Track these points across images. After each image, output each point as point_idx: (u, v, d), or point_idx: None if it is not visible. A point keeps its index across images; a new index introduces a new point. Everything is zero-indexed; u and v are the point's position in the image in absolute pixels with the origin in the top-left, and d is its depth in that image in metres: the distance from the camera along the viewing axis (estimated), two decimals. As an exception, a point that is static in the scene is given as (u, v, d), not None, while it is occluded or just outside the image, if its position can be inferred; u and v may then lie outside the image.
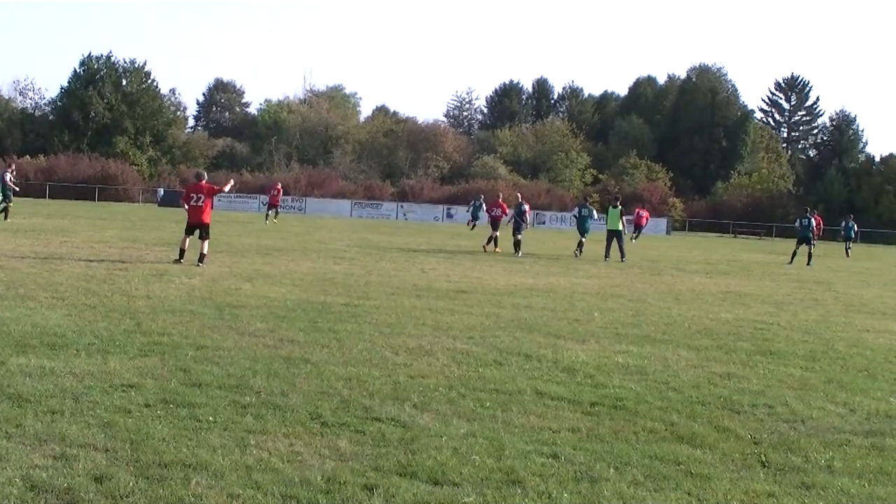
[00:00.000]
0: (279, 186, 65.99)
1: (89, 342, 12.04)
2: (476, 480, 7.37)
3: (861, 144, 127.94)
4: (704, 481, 7.68)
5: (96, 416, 8.53)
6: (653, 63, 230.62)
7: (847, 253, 56.54)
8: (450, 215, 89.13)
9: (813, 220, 46.12)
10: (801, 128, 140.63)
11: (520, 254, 36.30)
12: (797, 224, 46.70)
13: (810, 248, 44.28)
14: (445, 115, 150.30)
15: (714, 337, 16.09)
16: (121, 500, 6.54)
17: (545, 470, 7.74)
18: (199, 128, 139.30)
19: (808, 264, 42.62)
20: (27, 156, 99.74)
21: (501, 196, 43.83)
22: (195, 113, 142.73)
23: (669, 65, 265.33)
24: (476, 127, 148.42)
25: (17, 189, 43.40)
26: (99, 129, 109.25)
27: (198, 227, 24.89)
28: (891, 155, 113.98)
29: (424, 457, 7.86)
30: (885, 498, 7.56)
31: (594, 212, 41.72)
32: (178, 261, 24.17)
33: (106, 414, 8.60)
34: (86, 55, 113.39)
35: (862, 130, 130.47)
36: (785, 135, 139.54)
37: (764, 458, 8.45)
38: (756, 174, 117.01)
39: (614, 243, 38.10)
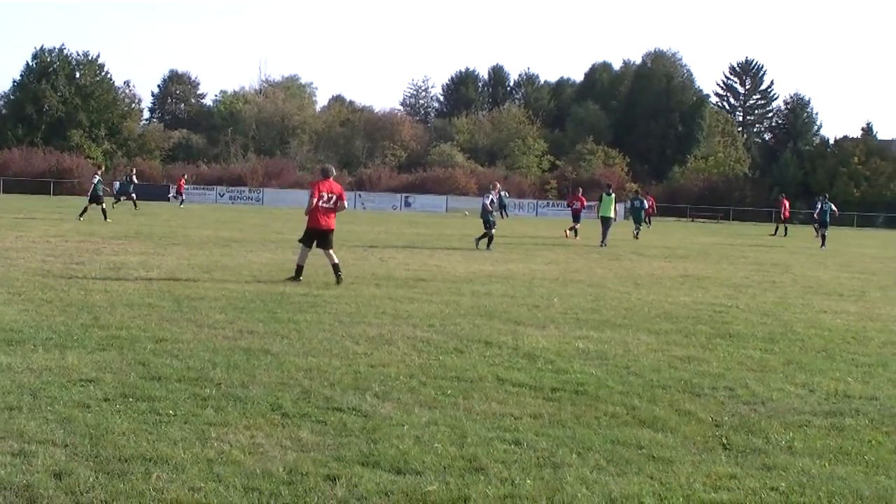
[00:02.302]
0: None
1: (46, 337, 11.94)
2: (439, 468, 7.36)
3: (815, 127, 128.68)
4: (667, 465, 7.70)
5: (55, 411, 8.46)
6: (608, 49, 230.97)
7: (822, 241, 47.51)
8: (408, 204, 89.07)
9: (831, 204, 49.43)
10: (756, 111, 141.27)
11: (487, 247, 33.65)
12: (817, 207, 49.98)
13: (825, 231, 47.55)
14: (402, 104, 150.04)
15: (674, 321, 16.15)
16: (81, 496, 6.48)
17: (507, 456, 7.73)
18: (155, 120, 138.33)
19: (822, 246, 45.55)
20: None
21: (581, 190, 44.12)
22: (150, 105, 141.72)
23: (625, 50, 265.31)
24: (433, 115, 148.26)
25: (108, 190, 43.59)
26: (53, 123, 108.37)
27: (323, 234, 20.71)
28: (845, 137, 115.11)
29: (386, 446, 7.84)
30: (846, 477, 7.60)
31: (645, 202, 44.65)
32: (296, 278, 19.89)
33: (64, 409, 8.53)
34: (38, 48, 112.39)
35: (816, 113, 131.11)
36: (740, 119, 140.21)
37: (725, 441, 8.48)
38: (712, 158, 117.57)
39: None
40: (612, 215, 40.37)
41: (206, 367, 10.56)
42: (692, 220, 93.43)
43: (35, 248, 25.31)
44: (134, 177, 64.25)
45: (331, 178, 20.89)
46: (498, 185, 38.34)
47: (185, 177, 76.81)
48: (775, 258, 35.79)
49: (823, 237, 47.36)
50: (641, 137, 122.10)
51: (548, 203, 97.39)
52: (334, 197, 20.64)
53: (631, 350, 13.00)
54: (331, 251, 20.39)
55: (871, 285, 24.97)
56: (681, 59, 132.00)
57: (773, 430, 8.92)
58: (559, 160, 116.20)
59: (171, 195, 71.37)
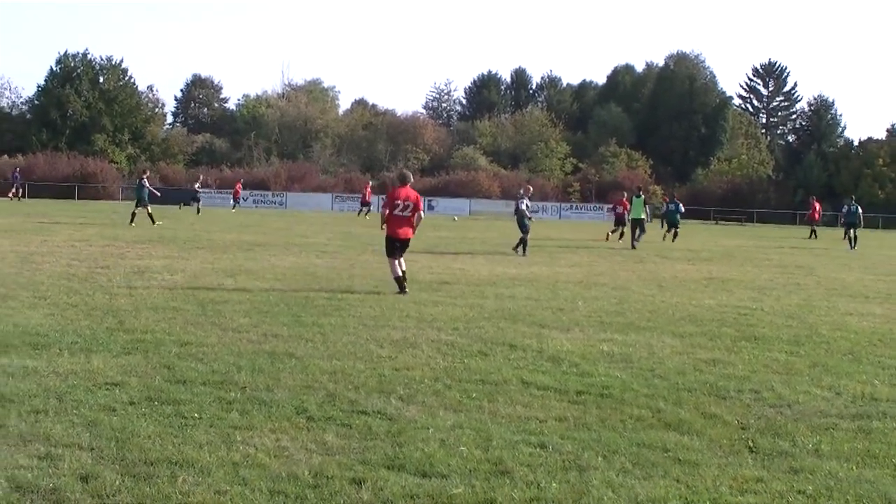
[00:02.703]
0: (369, 185, 71.82)
1: (72, 341, 11.98)
2: (464, 472, 7.35)
3: (839, 129, 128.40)
4: (693, 468, 7.68)
5: (80, 415, 8.48)
6: (631, 51, 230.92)
7: (851, 244, 47.13)
8: (431, 207, 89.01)
9: (859, 206, 49.98)
10: (779, 113, 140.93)
11: (523, 253, 32.56)
12: (844, 210, 50.91)
13: (855, 232, 47.93)
14: (424, 107, 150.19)
15: (698, 323, 16.09)
16: (107, 499, 6.49)
17: (533, 460, 7.72)
18: (178, 124, 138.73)
19: (852, 248, 46.09)
20: (5, 155, 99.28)
21: (626, 195, 44.40)
22: (173, 109, 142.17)
23: (647, 52, 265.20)
24: (455, 118, 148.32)
25: (158, 194, 44.00)
26: (77, 128, 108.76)
27: (401, 242, 19.76)
28: (869, 139, 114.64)
29: (412, 449, 7.83)
30: (873, 480, 7.56)
31: (680, 205, 45.35)
32: (401, 291, 18.84)
33: (90, 413, 8.55)
34: (62, 53, 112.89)
35: (840, 115, 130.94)
36: (763, 120, 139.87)
37: (751, 444, 8.45)
38: (735, 160, 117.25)
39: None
40: (644, 217, 40.90)
41: (231, 370, 10.57)
42: (716, 223, 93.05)
43: (60, 252, 25.39)
44: (199, 184, 66.47)
45: (408, 185, 19.95)
46: (531, 189, 37.63)
47: (241, 181, 76.86)
48: (799, 260, 35.65)
49: (851, 239, 47.67)
50: (664, 140, 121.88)
51: (571, 206, 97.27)
52: (411, 205, 19.61)
53: (656, 353, 12.96)
54: (402, 258, 19.52)
55: (896, 287, 24.85)
56: (704, 61, 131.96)
57: (799, 433, 8.87)
58: (582, 163, 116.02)
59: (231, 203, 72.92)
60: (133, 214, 43.20)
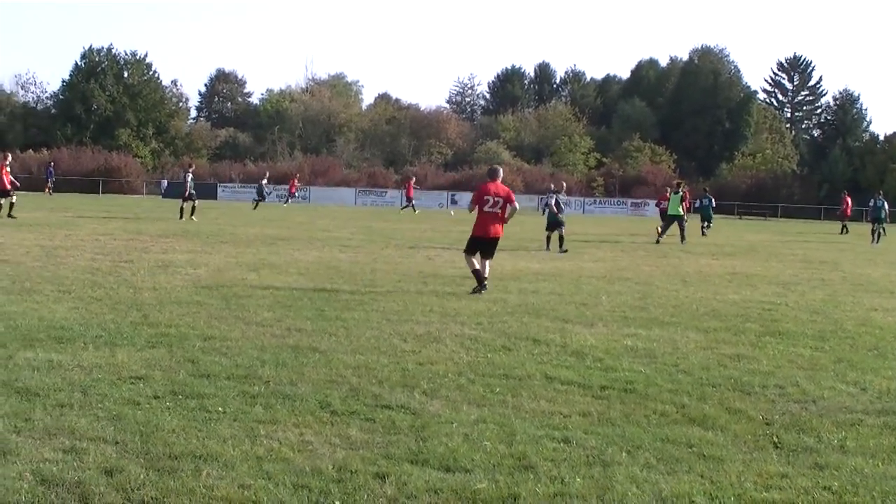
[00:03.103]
0: (412, 180, 72.25)
1: (96, 335, 12.01)
2: (488, 466, 7.34)
3: (865, 123, 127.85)
4: (717, 463, 7.65)
5: (105, 408, 8.50)
6: (655, 45, 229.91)
7: (876, 238, 48.44)
8: (454, 201, 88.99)
9: (885, 201, 50.86)
10: (804, 108, 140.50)
11: (555, 247, 31.82)
12: (871, 204, 51.22)
13: (881, 227, 49.01)
14: (448, 102, 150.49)
15: (722, 318, 16.04)
16: (132, 493, 6.50)
17: (557, 455, 7.70)
18: (202, 118, 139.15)
19: (875, 242, 47.31)
20: (30, 150, 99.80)
21: (669, 191, 44.69)
22: (197, 104, 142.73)
23: (671, 47, 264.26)
24: (479, 113, 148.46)
25: (193, 192, 44.34)
26: (101, 122, 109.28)
27: (489, 242, 19.00)
28: (895, 133, 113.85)
29: (435, 444, 7.83)
30: (900, 477, 7.52)
31: (713, 200, 45.99)
32: (478, 289, 18.18)
33: (115, 406, 8.57)
34: (87, 48, 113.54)
35: (865, 109, 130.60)
36: (788, 115, 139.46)
37: (776, 439, 8.41)
38: (760, 155, 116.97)
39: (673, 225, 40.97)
40: (682, 212, 41.22)
41: (255, 364, 10.58)
42: (740, 218, 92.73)
43: (84, 246, 25.47)
44: (266, 180, 66.97)
45: (498, 180, 18.93)
46: (564, 185, 36.98)
47: (298, 176, 76.87)
48: (824, 255, 35.51)
49: (878, 234, 48.79)
50: (688, 134, 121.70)
51: (594, 200, 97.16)
52: (501, 201, 18.63)
53: (679, 348, 12.92)
54: (489, 262, 18.80)
55: (922, 283, 24.72)
56: (728, 56, 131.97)
57: (824, 428, 8.83)
58: (605, 157, 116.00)
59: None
60: (181, 210, 43.78)
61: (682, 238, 39.83)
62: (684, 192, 41.70)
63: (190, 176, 45.50)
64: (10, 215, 37.21)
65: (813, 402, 9.90)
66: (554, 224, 32.09)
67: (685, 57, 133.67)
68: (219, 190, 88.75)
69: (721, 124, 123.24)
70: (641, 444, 8.08)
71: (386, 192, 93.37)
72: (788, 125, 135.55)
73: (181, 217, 42.59)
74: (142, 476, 6.80)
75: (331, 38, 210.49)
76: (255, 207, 60.86)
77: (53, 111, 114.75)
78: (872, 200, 50.87)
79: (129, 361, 10.48)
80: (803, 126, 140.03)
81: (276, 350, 11.49)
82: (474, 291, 18.09)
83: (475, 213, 19.00)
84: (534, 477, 7.13)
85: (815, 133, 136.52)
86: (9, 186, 39.03)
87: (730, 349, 12.97)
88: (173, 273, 19.53)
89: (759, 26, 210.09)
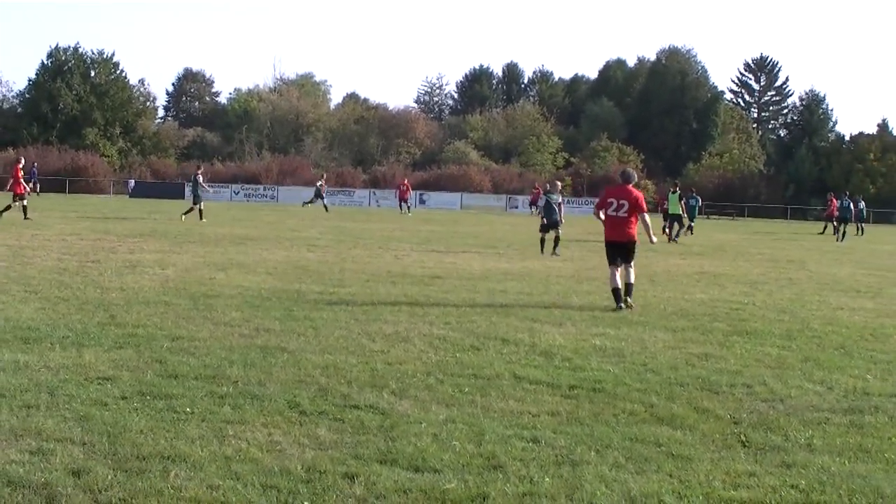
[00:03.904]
0: (406, 182, 72.59)
1: (63, 335, 11.95)
2: (457, 466, 7.34)
3: (831, 124, 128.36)
4: (686, 462, 7.67)
5: (72, 409, 8.46)
6: (622, 46, 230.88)
7: (841, 237, 50.29)
8: (422, 201, 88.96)
9: (851, 202, 53.05)
10: (771, 108, 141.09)
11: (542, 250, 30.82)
12: (840, 205, 52.88)
13: (845, 227, 51.24)
14: (416, 101, 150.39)
15: (690, 318, 16.11)
16: (99, 494, 6.47)
17: (526, 454, 7.71)
18: (170, 118, 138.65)
19: (840, 241, 48.90)
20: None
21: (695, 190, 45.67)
22: (165, 103, 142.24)
23: (639, 47, 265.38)
24: (447, 112, 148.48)
25: (210, 191, 44.31)
26: (68, 121, 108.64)
27: (618, 246, 17.83)
28: (860, 133, 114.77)
29: (404, 444, 7.82)
30: (866, 475, 7.56)
31: (699, 199, 49.92)
32: (617, 307, 16.99)
33: (82, 407, 8.53)
34: (53, 47, 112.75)
35: (831, 110, 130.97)
36: (755, 115, 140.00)
37: (744, 438, 8.45)
38: (727, 155, 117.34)
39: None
40: (680, 211, 43.10)
41: (223, 364, 10.55)
42: (707, 217, 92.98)
43: (50, 246, 25.34)
44: (324, 182, 67.20)
45: (627, 184, 17.96)
46: (559, 185, 35.65)
47: (325, 177, 75.70)
48: (791, 255, 35.72)
49: (843, 234, 50.74)
50: (656, 134, 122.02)
51: (562, 200, 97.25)
52: (627, 204, 17.68)
53: (648, 347, 12.97)
54: (630, 268, 17.53)
55: (887, 282, 24.90)
56: (695, 56, 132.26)
57: (791, 427, 8.87)
58: (574, 157, 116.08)
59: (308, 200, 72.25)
60: (200, 212, 43.71)
61: (675, 237, 41.56)
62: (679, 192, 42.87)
63: (201, 178, 45.49)
64: (25, 217, 37.20)
65: (780, 401, 9.94)
66: (548, 226, 31.10)
67: (653, 57, 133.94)
68: (186, 190, 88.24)
69: (688, 124, 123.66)
70: (610, 443, 8.10)
71: (354, 191, 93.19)
72: (755, 125, 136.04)
73: (201, 218, 42.83)
74: (109, 477, 6.77)
75: (299, 38, 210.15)
76: (304, 205, 64.69)
77: (19, 110, 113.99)
78: (840, 200, 51.94)
79: (96, 362, 10.44)
80: (770, 126, 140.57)
81: (244, 350, 11.47)
82: (615, 310, 16.83)
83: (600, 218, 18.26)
84: (503, 476, 7.14)
85: (782, 133, 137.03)
86: (22, 190, 39.16)
87: (698, 348, 13.02)
88: (141, 273, 19.46)
89: (726, 27, 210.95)
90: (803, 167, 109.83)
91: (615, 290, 17.34)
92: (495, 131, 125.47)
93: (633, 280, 17.51)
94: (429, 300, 17.00)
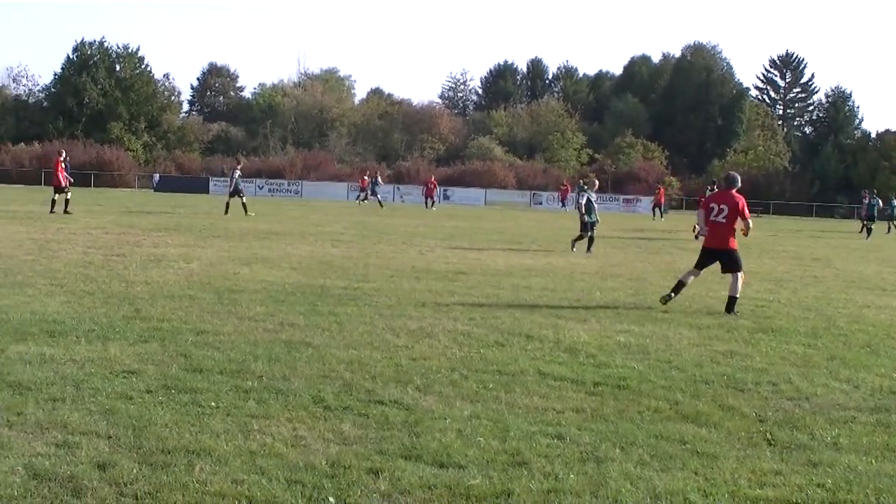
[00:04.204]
0: (433, 179, 73.32)
1: (89, 329, 11.99)
2: (481, 462, 7.32)
3: (857, 121, 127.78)
4: (711, 460, 7.64)
5: (98, 402, 8.48)
6: (647, 42, 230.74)
7: (867, 233, 51.05)
8: (446, 197, 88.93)
9: (880, 200, 53.87)
10: (796, 105, 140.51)
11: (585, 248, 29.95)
12: (868, 202, 53.81)
13: (872, 225, 51.44)
14: (440, 97, 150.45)
15: (715, 315, 16.05)
16: (124, 488, 6.48)
17: (550, 451, 7.69)
18: (194, 112, 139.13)
19: (867, 238, 48.98)
20: (22, 143, 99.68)
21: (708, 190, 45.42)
22: (189, 98, 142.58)
23: (664, 43, 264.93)
24: (471, 108, 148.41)
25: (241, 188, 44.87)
26: (93, 115, 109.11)
27: (715, 254, 17.37)
28: (887, 131, 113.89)
29: (429, 439, 7.81)
30: (893, 474, 7.51)
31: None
32: (669, 297, 16.95)
33: (107, 401, 8.55)
34: (79, 41, 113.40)
35: (857, 107, 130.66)
36: (780, 112, 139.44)
37: (770, 436, 8.41)
38: (752, 152, 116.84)
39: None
40: None
41: (248, 359, 10.56)
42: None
43: (76, 239, 25.43)
44: (379, 177, 68.30)
45: (731, 189, 17.33)
46: (596, 182, 33.88)
47: (372, 173, 75.54)
48: (816, 252, 35.56)
49: (869, 230, 50.66)
50: (680, 131, 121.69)
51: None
52: (726, 209, 17.07)
53: (672, 344, 12.92)
54: (736, 278, 16.84)
55: (914, 280, 24.75)
56: (720, 53, 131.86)
57: (817, 426, 8.83)
58: (598, 153, 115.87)
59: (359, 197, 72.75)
60: (227, 206, 44.35)
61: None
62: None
63: (237, 173, 45.83)
64: (66, 211, 37.40)
65: (806, 400, 9.90)
66: (586, 225, 30.25)
67: (678, 53, 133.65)
68: (211, 184, 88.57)
69: (713, 121, 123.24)
70: (635, 440, 8.08)
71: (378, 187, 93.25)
72: (780, 122, 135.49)
73: (226, 212, 43.34)
74: (135, 470, 6.78)
75: (323, 33, 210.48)
76: (359, 203, 65.32)
77: (45, 104, 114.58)
78: (867, 198, 52.15)
79: (121, 355, 10.46)
80: (795, 123, 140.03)
81: (268, 345, 11.48)
82: (662, 300, 16.89)
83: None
84: (527, 473, 7.12)
85: (807, 130, 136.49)
86: (64, 183, 39.34)
87: (723, 346, 12.97)
88: (166, 267, 19.50)
89: (751, 23, 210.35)
90: (829, 164, 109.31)
91: (680, 283, 17.27)
92: (519, 127, 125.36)
93: (736, 293, 16.77)
94: (453, 296, 16.98)
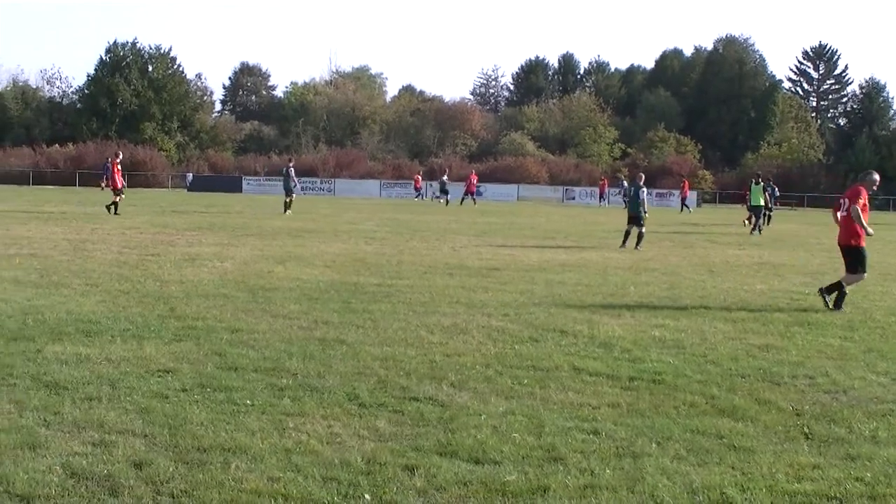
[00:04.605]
0: (474, 175, 72.98)
1: (124, 328, 12.04)
2: (517, 458, 7.31)
3: (891, 112, 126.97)
4: (748, 454, 7.60)
5: (133, 401, 8.51)
6: (679, 35, 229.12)
7: None
8: (479, 193, 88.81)
9: None
10: (830, 97, 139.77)
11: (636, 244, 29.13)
12: None
13: None
14: (472, 93, 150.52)
15: (750, 308, 15.97)
16: (161, 486, 6.50)
17: (586, 446, 7.66)
18: (226, 112, 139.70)
19: None
20: (56, 144, 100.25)
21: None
22: (221, 97, 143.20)
23: (696, 37, 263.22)
24: (503, 104, 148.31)
25: (298, 184, 45.46)
26: (126, 116, 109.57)
27: (843, 251, 17.07)
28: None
29: (464, 436, 7.80)
30: (932, 467, 7.45)
31: (776, 189, 46.92)
32: (824, 300, 16.41)
33: (143, 399, 8.58)
34: (111, 42, 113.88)
35: (892, 98, 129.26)
36: (814, 104, 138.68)
37: (807, 430, 8.35)
38: (785, 144, 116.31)
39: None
40: (762, 203, 42.18)
41: (282, 357, 10.58)
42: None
43: (110, 239, 25.57)
44: (446, 177, 70.24)
45: (859, 183, 17.00)
46: (643, 176, 32.56)
47: (441, 172, 76.59)
48: (852, 245, 35.27)
49: None
50: (713, 124, 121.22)
51: (619, 191, 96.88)
52: (847, 202, 16.59)
53: (708, 338, 12.86)
54: (850, 277, 16.60)
55: (951, 272, 24.56)
56: (753, 45, 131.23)
57: (855, 419, 8.76)
58: (630, 148, 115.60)
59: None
60: (285, 204, 44.87)
61: (758, 229, 40.77)
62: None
63: (292, 171, 46.33)
64: (115, 213, 37.58)
65: (843, 393, 9.83)
66: (633, 219, 29.65)
67: (710, 46, 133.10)
68: (244, 183, 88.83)
69: (746, 114, 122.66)
70: (671, 435, 8.04)
71: (411, 183, 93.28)
72: (814, 114, 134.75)
73: (285, 211, 43.86)
74: (171, 469, 6.80)
75: (354, 31, 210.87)
76: (446, 203, 65.69)
77: (79, 106, 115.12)
78: None
79: (156, 354, 10.50)
80: (829, 115, 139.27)
81: (303, 342, 11.49)
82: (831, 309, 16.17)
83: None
84: (563, 469, 7.10)
85: (841, 122, 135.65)
86: (120, 184, 39.66)
87: (758, 339, 12.90)
88: (200, 266, 19.57)
89: (784, 15, 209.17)
90: (863, 156, 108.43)
91: (837, 285, 16.59)
92: (551, 122, 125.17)
93: (845, 289, 16.43)
94: (486, 292, 16.96)
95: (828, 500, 6.71)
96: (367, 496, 6.45)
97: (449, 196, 66.56)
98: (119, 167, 40.48)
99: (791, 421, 8.65)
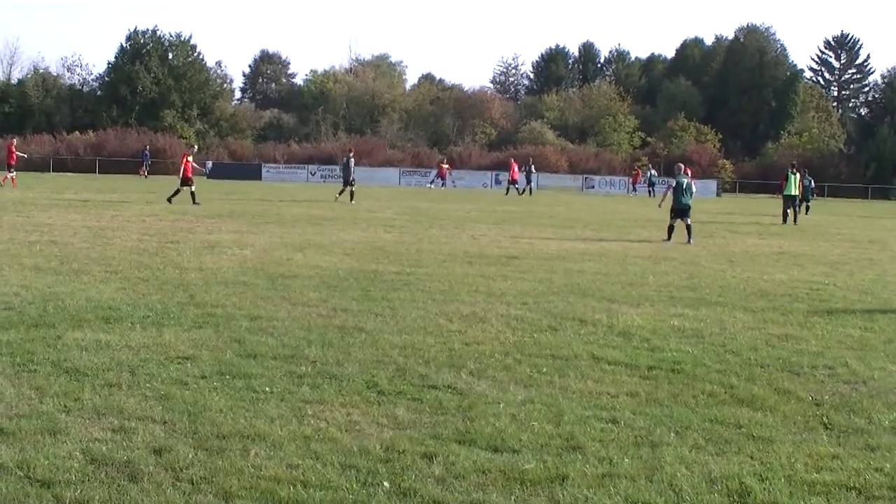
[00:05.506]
0: (514, 163, 71.15)
1: (144, 315, 12.08)
2: (535, 447, 7.32)
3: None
4: (767, 444, 7.59)
5: (153, 388, 8.55)
6: (699, 24, 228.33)
7: None
8: (498, 181, 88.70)
9: None
10: (851, 86, 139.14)
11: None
12: None
13: None
14: (491, 82, 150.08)
15: (770, 298, 15.93)
16: (180, 472, 6.53)
17: (605, 435, 7.67)
18: (246, 100, 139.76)
19: None
20: (76, 132, 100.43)
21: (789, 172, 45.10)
22: (241, 85, 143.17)
23: (716, 25, 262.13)
24: (522, 93, 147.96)
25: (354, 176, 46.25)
26: (146, 104, 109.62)
27: None
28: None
29: (483, 424, 7.81)
30: (952, 458, 7.43)
31: (812, 180, 46.36)
32: None
33: (163, 386, 8.61)
34: (132, 30, 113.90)
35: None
36: (835, 94, 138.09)
37: (826, 420, 8.34)
38: (806, 134, 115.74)
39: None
40: (796, 193, 42.04)
41: (301, 344, 10.60)
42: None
43: (130, 227, 25.63)
44: (532, 166, 68.78)
45: None
46: (682, 167, 31.45)
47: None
48: (872, 235, 35.20)
49: None
50: (734, 113, 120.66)
51: (644, 180, 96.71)
52: None
53: (727, 328, 12.84)
54: None
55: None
56: (774, 34, 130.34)
57: (875, 409, 8.74)
58: (650, 137, 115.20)
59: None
60: (351, 193, 44.95)
61: (793, 218, 40.64)
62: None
63: (352, 161, 46.71)
64: (195, 202, 37.63)
65: (863, 383, 9.81)
66: (678, 212, 28.72)
67: (730, 35, 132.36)
68: (263, 171, 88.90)
69: (767, 103, 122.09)
70: (690, 424, 8.03)
71: (430, 171, 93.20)
72: (835, 104, 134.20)
73: (351, 200, 44.08)
74: (190, 456, 6.83)
75: (374, 19, 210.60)
76: (527, 193, 65.33)
77: (99, 93, 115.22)
78: None
79: (176, 341, 10.54)
80: (850, 105, 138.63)
81: (322, 330, 11.51)
82: None
83: None
84: (582, 457, 7.11)
85: (863, 112, 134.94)
86: (190, 175, 39.75)
87: (778, 329, 12.88)
88: (219, 254, 19.61)
89: (805, 4, 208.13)
90: (885, 146, 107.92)
91: None
92: (571, 111, 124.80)
93: None
94: (506, 280, 16.96)
95: (847, 490, 6.70)
96: (385, 483, 6.47)
97: (511, 187, 65.87)
98: (190, 159, 40.39)
99: (810, 411, 8.64)
